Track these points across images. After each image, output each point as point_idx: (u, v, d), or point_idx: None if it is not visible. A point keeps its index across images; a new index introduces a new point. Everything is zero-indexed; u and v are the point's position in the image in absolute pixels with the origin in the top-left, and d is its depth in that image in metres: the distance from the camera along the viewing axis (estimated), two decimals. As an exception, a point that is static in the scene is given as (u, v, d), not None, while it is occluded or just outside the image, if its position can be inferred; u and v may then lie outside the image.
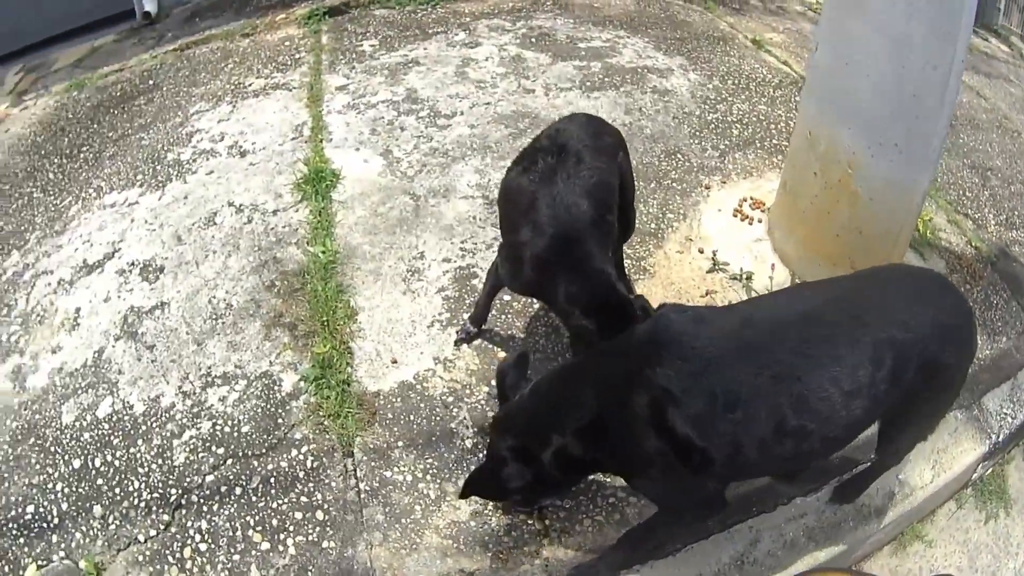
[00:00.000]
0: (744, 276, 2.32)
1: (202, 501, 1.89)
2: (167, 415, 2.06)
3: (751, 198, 2.62)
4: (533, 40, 3.62)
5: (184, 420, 2.03)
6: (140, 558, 1.83)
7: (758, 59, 3.61)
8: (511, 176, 1.85)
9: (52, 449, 2.10)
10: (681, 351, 1.31)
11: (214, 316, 2.20)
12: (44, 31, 4.17)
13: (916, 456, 1.98)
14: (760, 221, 2.52)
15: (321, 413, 1.94)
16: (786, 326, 1.39)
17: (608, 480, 1.88)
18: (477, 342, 2.13)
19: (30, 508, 1.99)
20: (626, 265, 2.33)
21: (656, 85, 3.26)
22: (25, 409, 2.22)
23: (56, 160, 3.02)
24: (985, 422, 2.18)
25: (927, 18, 1.75)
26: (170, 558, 1.80)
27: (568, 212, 1.68)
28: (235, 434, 1.96)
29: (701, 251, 2.41)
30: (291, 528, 1.79)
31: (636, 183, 2.27)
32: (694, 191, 2.68)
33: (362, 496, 1.81)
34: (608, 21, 3.88)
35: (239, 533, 1.81)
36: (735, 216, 2.53)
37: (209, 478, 1.91)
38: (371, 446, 1.90)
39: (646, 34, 3.76)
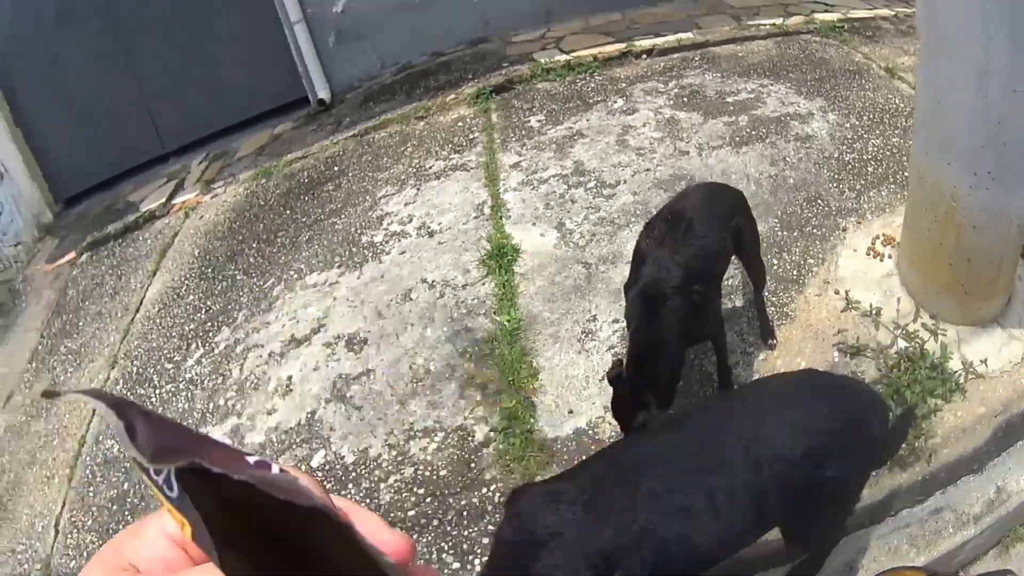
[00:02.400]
0: (873, 312, 3.45)
1: (404, 531, 3.16)
2: (374, 463, 3.38)
3: (883, 235, 3.75)
4: (685, 99, 5.01)
5: (389, 467, 3.34)
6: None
7: (891, 88, 4.83)
8: (639, 238, 3.05)
9: (271, 495, 3.50)
10: (544, 540, 1.91)
11: (415, 380, 3.55)
12: (224, 120, 6.17)
13: (1015, 464, 2.99)
14: (890, 256, 3.64)
15: (507, 457, 3.16)
16: (643, 470, 2.06)
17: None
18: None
19: None
20: (770, 311, 3.47)
21: (798, 132, 4.52)
22: None
23: (254, 245, 4.69)
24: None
25: (1002, 41, 2.52)
26: None
27: (659, 274, 2.81)
28: (434, 477, 3.21)
29: (837, 292, 3.57)
30: (478, 551, 2.95)
31: (781, 233, 3.67)
32: (832, 235, 3.83)
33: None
34: (752, 70, 5.26)
35: (434, 556, 3.02)
36: (868, 254, 3.68)
37: (411, 513, 3.15)
38: (550, 486, 3.15)
39: (787, 79, 5.09)
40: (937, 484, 3.12)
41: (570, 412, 3.26)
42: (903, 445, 2.96)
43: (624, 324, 3.55)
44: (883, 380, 3.39)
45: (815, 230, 3.89)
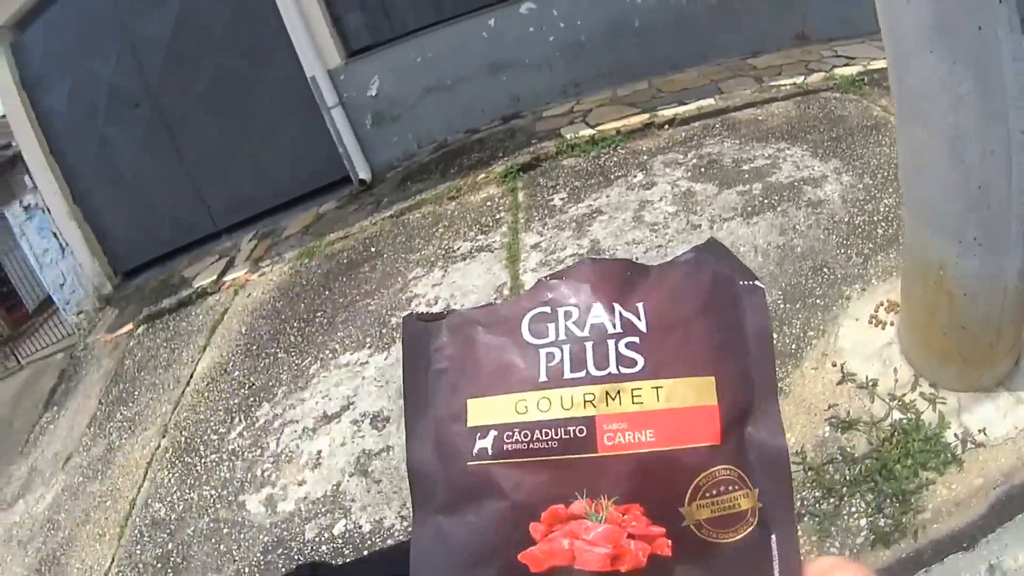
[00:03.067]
0: (870, 383, 3.67)
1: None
2: (388, 533, 4.09)
3: (887, 301, 3.93)
4: (702, 169, 5.51)
5: (400, 537, 4.06)
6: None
7: (908, 142, 5.29)
8: None
9: (296, 557, 4.25)
10: None
11: None
12: (271, 200, 7.13)
13: (1012, 540, 3.10)
14: (892, 324, 3.81)
15: None
16: None
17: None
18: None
19: None
20: None
21: (811, 197, 4.93)
22: (275, 527, 4.41)
23: (295, 324, 5.39)
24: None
25: (972, 103, 2.55)
26: None
27: None
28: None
29: (834, 364, 3.78)
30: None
31: (784, 306, 4.09)
32: (835, 304, 4.15)
33: None
34: (770, 134, 5.74)
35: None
36: (870, 322, 3.88)
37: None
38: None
39: (804, 140, 5.53)
40: (922, 562, 3.18)
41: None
42: (890, 522, 3.25)
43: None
44: (873, 454, 3.54)
45: (818, 300, 4.25)
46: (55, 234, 8.63)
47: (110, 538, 5.23)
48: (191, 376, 5.65)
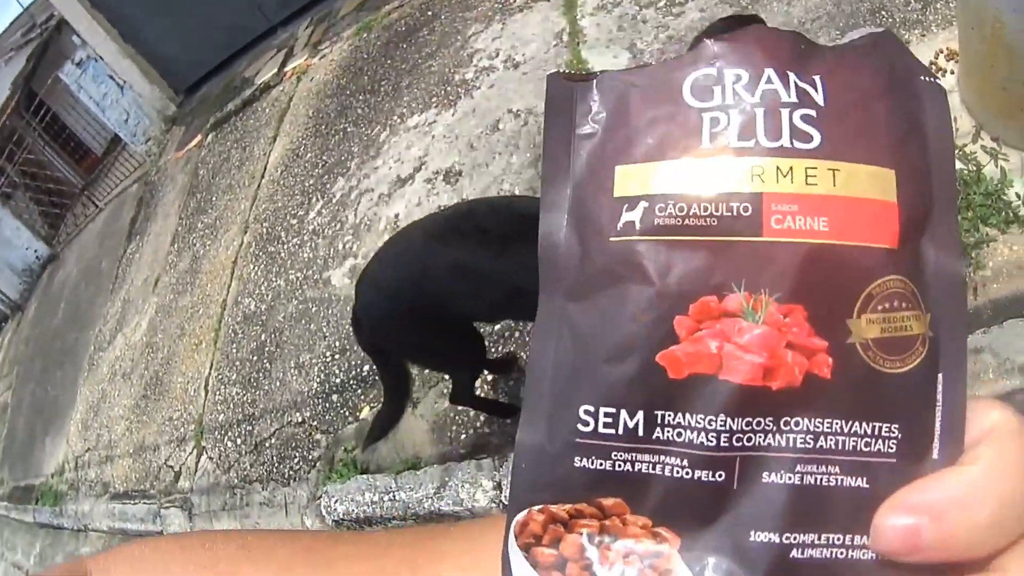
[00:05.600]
0: None
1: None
2: None
3: (947, 48, 3.99)
4: None
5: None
6: (445, 391, 4.26)
7: None
8: None
9: (388, 321, 4.75)
10: None
11: None
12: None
13: None
14: (952, 72, 3.86)
15: None
16: None
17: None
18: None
19: (366, 368, 4.48)
20: None
21: None
22: None
23: (361, 97, 5.74)
24: None
25: None
26: None
27: None
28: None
29: None
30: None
31: None
32: None
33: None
34: None
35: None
36: (931, 69, 3.99)
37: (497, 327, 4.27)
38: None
39: None
40: (981, 322, 3.27)
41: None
42: None
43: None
44: None
45: None
46: (111, 76, 9.22)
47: (206, 345, 5.82)
48: (264, 168, 6.13)
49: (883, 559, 0.43)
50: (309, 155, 5.78)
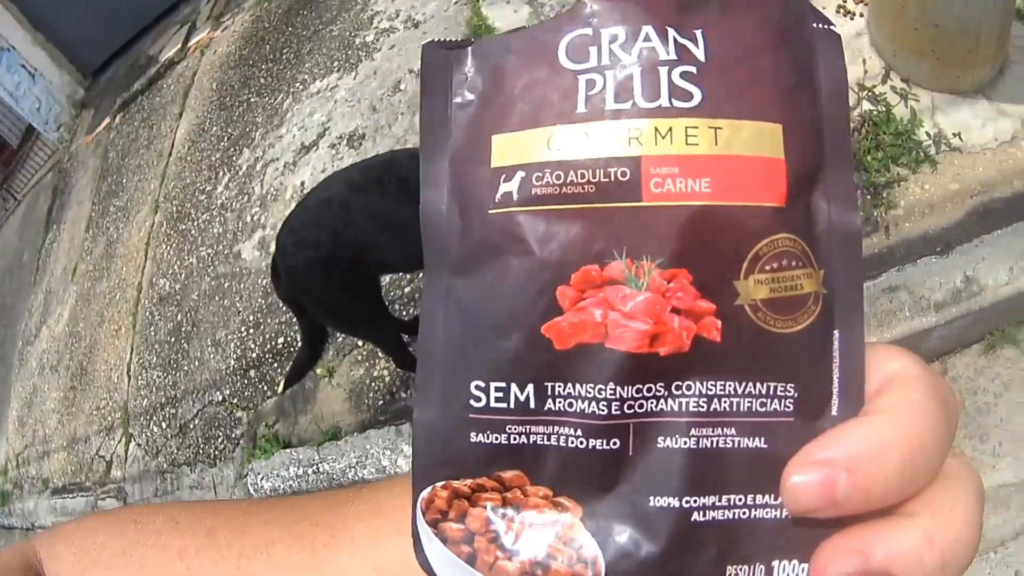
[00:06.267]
0: None
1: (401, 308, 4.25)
2: None
3: None
4: None
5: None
6: (359, 358, 4.21)
7: None
8: None
9: (299, 291, 4.66)
10: None
11: None
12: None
13: (992, 254, 3.20)
14: (862, 15, 3.88)
15: None
16: None
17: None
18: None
19: (280, 340, 4.44)
20: None
21: None
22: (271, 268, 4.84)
23: (263, 66, 5.59)
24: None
25: None
26: (379, 356, 4.12)
27: None
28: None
29: None
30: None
31: None
32: None
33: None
34: None
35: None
36: (838, 12, 3.94)
37: (407, 290, 4.21)
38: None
39: None
40: (894, 260, 3.33)
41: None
42: (861, 214, 3.41)
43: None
44: None
45: None
46: (23, 65, 9.01)
47: (125, 330, 5.70)
48: (172, 146, 6.00)
49: (787, 517, 0.43)
50: (215, 129, 5.66)
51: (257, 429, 4.39)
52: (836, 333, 0.45)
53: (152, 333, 5.38)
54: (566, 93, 0.46)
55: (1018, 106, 3.58)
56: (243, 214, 5.00)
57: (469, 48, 0.50)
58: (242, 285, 4.76)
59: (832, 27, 0.50)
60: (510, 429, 0.45)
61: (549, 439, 0.45)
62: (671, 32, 0.46)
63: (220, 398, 4.65)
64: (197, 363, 4.89)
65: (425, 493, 0.46)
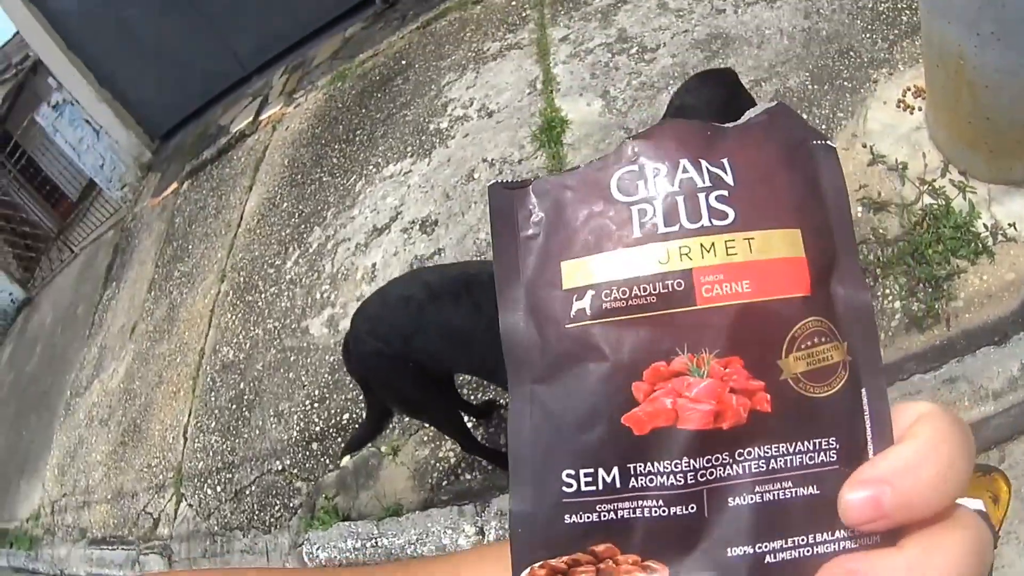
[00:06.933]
0: (900, 166, 3.90)
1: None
2: None
3: (914, 86, 4.13)
4: None
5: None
6: (425, 439, 4.30)
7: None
8: None
9: (367, 369, 4.77)
10: None
11: (478, 253, 4.48)
12: (297, 32, 7.45)
13: None
14: (920, 109, 4.01)
15: None
16: None
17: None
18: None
19: (345, 416, 4.54)
20: None
21: None
22: (339, 346, 4.88)
23: (336, 146, 5.79)
24: None
25: None
26: (445, 439, 4.14)
27: None
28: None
29: (864, 146, 4.03)
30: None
31: (811, 87, 4.34)
32: (863, 87, 4.35)
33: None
34: None
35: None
36: (898, 106, 4.10)
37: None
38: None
39: None
40: (955, 352, 3.36)
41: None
42: (923, 307, 3.48)
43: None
44: (905, 237, 3.77)
45: (846, 83, 4.46)
46: (87, 121, 9.24)
47: (184, 393, 5.80)
48: (241, 217, 6.16)
49: (843, 548, 0.50)
50: (285, 204, 5.82)
51: (316, 500, 4.45)
52: (863, 390, 0.54)
53: (212, 399, 5.48)
54: (622, 221, 0.54)
55: (1068, 193, 3.63)
56: (312, 291, 5.13)
57: (530, 188, 0.57)
58: (308, 360, 4.87)
59: (828, 141, 0.58)
60: (600, 508, 0.51)
61: (635, 512, 0.51)
62: (703, 163, 0.55)
63: (280, 467, 4.70)
64: (258, 432, 4.97)
65: (524, 573, 0.51)
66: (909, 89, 4.22)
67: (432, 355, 3.07)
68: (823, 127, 4.30)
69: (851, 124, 4.27)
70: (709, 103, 3.59)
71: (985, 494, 2.78)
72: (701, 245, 0.54)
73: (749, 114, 0.62)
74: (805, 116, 4.31)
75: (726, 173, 0.56)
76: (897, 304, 3.65)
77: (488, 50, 5.88)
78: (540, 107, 5.12)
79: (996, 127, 3.41)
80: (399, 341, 3.05)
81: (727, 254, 0.54)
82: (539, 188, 0.57)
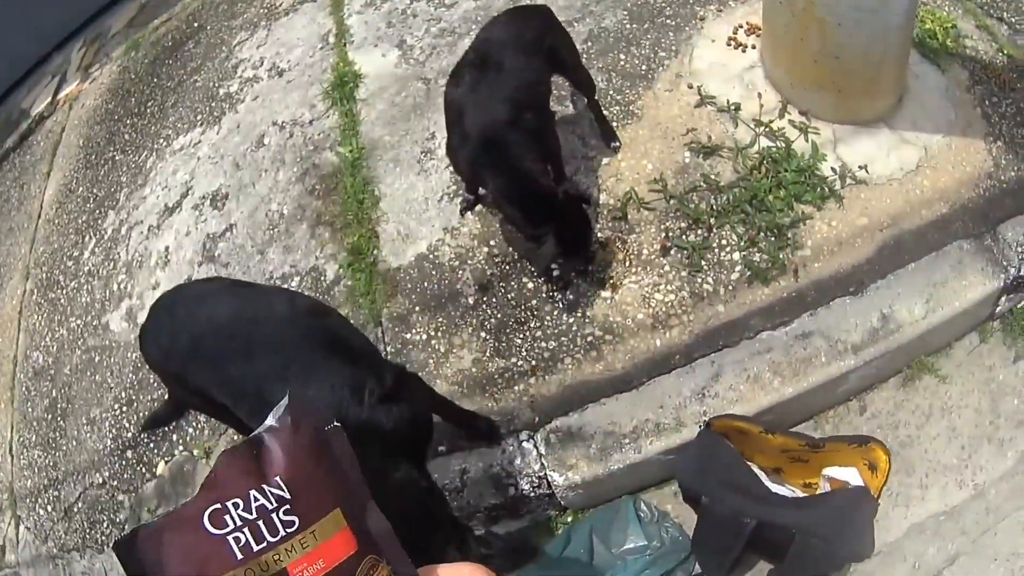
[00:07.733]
0: (732, 107, 3.65)
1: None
2: None
3: (747, 23, 3.87)
4: None
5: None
6: (236, 438, 3.88)
7: None
8: (447, 90, 3.40)
9: (167, 366, 4.32)
10: None
11: (271, 227, 4.08)
12: (96, 2, 6.86)
13: (906, 289, 3.15)
14: (754, 47, 3.77)
15: (356, 293, 3.70)
16: None
17: (587, 319, 3.44)
18: (479, 208, 3.79)
19: None
20: (614, 110, 3.82)
21: None
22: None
23: (128, 121, 5.25)
24: (1000, 253, 3.28)
25: None
26: None
27: (486, 118, 3.18)
28: (296, 316, 3.97)
29: (690, 86, 3.76)
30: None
31: (630, 27, 3.95)
32: (688, 24, 4.06)
33: (388, 356, 3.51)
34: None
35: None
36: (729, 44, 3.84)
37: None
38: (394, 314, 3.63)
39: None
40: (806, 305, 3.24)
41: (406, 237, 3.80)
42: (766, 257, 3.26)
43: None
44: (741, 183, 3.52)
45: (668, 20, 4.16)
46: None
47: (4, 405, 5.29)
48: (41, 207, 5.62)
49: None
50: (81, 189, 5.29)
51: (140, 514, 4.07)
52: None
53: (30, 410, 5.00)
54: (225, 551, 0.81)
55: (920, 134, 3.50)
56: (109, 282, 4.66)
57: (137, 536, 0.84)
58: (112, 359, 4.43)
59: (335, 424, 1.00)
60: None
61: None
62: (265, 488, 0.87)
63: (100, 480, 4.32)
64: (75, 443, 4.54)
65: None
66: (741, 27, 3.96)
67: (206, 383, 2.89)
68: (643, 68, 4.00)
69: (674, 64, 3.98)
70: (518, 38, 3.27)
71: (860, 462, 2.82)
72: (285, 550, 0.86)
73: (276, 412, 0.96)
74: (623, 57, 3.80)
75: (283, 490, 0.89)
76: (736, 255, 3.40)
77: (280, 5, 5.44)
78: (332, 62, 4.73)
79: (847, 66, 3.24)
80: (177, 359, 2.90)
81: (303, 549, 0.87)
82: (144, 535, 0.83)
